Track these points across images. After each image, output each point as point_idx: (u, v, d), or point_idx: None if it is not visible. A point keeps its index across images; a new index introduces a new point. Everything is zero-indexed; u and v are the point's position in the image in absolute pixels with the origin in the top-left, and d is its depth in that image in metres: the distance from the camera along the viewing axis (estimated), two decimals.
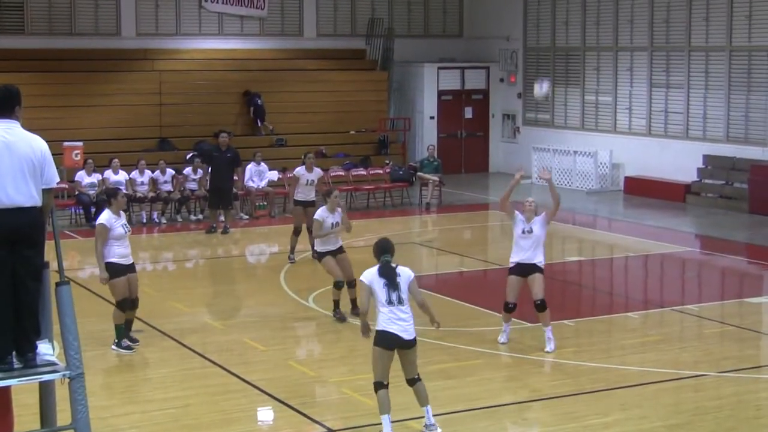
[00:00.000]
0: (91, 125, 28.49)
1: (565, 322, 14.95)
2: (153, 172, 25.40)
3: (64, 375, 7.57)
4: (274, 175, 26.50)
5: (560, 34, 32.18)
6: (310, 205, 19.17)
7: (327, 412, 11.28)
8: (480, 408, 11.46)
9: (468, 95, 34.03)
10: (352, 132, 32.10)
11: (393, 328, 10.10)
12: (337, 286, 15.02)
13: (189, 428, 10.86)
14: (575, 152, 30.24)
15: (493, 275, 18.83)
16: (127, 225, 13.66)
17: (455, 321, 14.92)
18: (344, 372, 12.79)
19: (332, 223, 14.97)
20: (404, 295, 10.17)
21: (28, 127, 7.76)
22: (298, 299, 16.66)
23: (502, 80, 33.94)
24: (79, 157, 25.05)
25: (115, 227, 13.32)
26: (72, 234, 22.69)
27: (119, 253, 13.35)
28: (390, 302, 10.12)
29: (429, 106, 33.50)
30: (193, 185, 25.33)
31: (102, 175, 24.95)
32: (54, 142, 7.98)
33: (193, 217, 25.15)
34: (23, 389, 7.98)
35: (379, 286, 10.18)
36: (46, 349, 7.77)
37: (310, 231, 18.08)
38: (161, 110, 30.09)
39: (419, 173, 27.88)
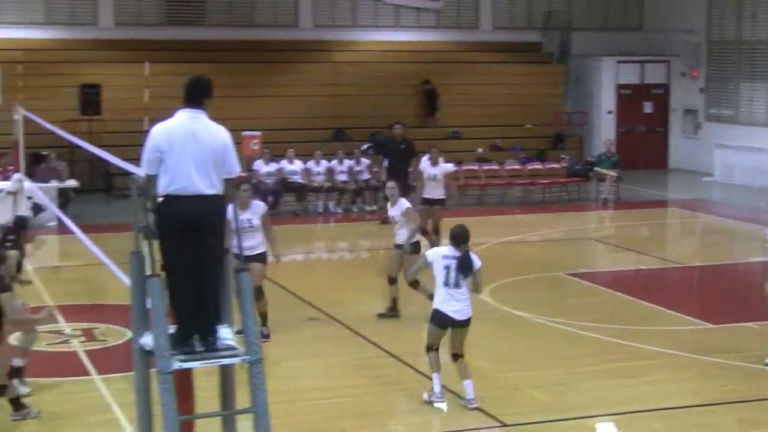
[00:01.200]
0: (268, 115, 28.93)
1: (750, 324, 14.37)
2: (329, 162, 25.66)
3: (243, 359, 7.65)
4: (449, 167, 26.35)
5: (746, 27, 31.07)
6: (436, 203, 18.74)
7: (501, 406, 11.10)
8: (654, 409, 11.10)
9: (647, 89, 33.22)
10: (528, 126, 31.78)
11: (448, 309, 10.79)
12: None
13: (363, 417, 10.84)
14: (760, 149, 29.15)
15: (672, 274, 18.29)
16: (251, 220, 13.42)
17: (632, 319, 14.54)
18: (518, 367, 12.58)
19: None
20: (465, 282, 10.81)
21: (210, 116, 7.85)
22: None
23: (683, 74, 32.97)
24: (257, 147, 25.45)
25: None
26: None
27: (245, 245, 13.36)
28: (447, 284, 10.78)
29: (607, 100, 32.85)
30: (367, 176, 25.47)
31: (278, 164, 25.33)
32: (233, 131, 8.01)
33: (367, 208, 25.25)
34: (204, 372, 8.08)
35: (439, 267, 10.79)
36: (226, 334, 7.86)
37: (435, 231, 17.79)
38: (337, 101, 30.38)
39: (596, 168, 27.35)
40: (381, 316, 14.75)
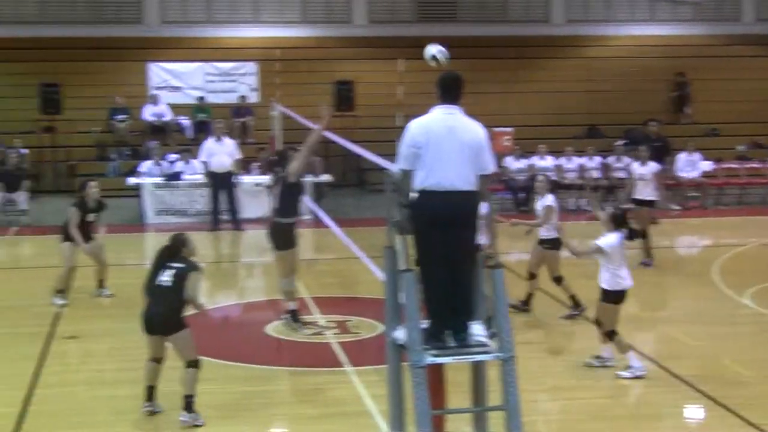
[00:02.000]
0: (519, 111, 28.79)
1: None
2: (581, 158, 25.29)
3: (496, 357, 7.60)
4: (707, 165, 25.61)
5: None
6: (646, 204, 17.91)
7: (762, 415, 10.57)
8: None
9: None
10: None
11: (624, 287, 11.61)
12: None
13: (616, 419, 10.56)
14: None
15: None
16: None
17: None
18: None
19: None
20: None
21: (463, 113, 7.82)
22: (734, 295, 15.83)
23: None
24: (508, 143, 25.39)
25: None
26: (501, 219, 22.89)
27: None
28: (622, 265, 11.60)
29: None
30: (622, 174, 24.95)
31: (529, 160, 25.17)
32: (485, 127, 7.95)
33: (622, 206, 24.67)
34: (455, 368, 8.06)
35: (621, 249, 11.59)
36: (478, 330, 7.82)
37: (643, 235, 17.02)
38: (590, 97, 29.92)
39: None
40: (512, 307, 13.95)
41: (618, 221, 11.83)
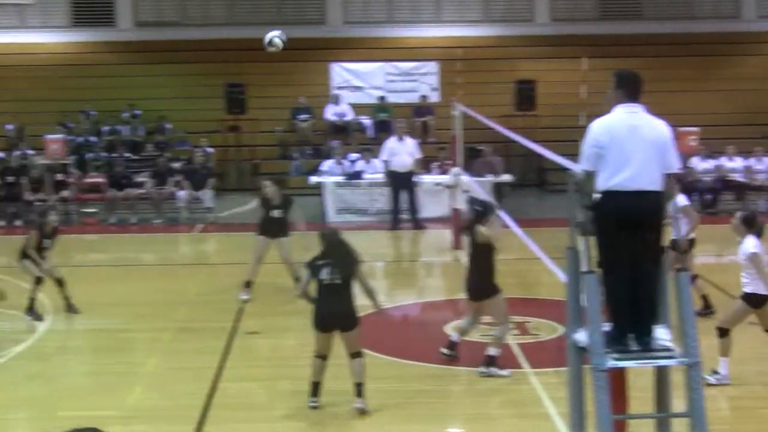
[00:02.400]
0: (707, 110, 27.98)
1: None
2: None
3: (680, 362, 7.38)
4: None
5: None
6: None
7: None
8: None
9: None
10: None
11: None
12: None
13: None
14: None
15: None
16: None
17: None
18: None
19: None
20: None
21: (647, 111, 7.64)
22: None
23: None
24: (695, 143, 24.72)
25: None
26: None
27: None
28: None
29: None
30: None
31: (717, 161, 24.45)
32: (670, 127, 7.73)
33: None
34: (639, 372, 7.87)
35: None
36: (662, 334, 7.60)
37: None
38: None
39: None
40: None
41: (749, 223, 11.45)
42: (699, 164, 24.26)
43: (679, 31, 29.82)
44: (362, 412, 10.39)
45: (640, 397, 8.14)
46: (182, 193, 23.79)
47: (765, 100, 28.60)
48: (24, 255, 15.04)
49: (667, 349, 7.52)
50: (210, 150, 26.08)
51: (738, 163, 24.30)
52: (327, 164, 24.42)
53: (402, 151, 22.55)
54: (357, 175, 23.62)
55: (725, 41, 29.72)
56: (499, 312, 11.94)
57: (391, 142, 22.87)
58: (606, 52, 27.57)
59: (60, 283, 14.93)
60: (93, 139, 26.84)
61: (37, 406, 11.00)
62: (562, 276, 9.79)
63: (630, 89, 7.68)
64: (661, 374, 7.75)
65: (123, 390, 11.38)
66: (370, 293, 10.67)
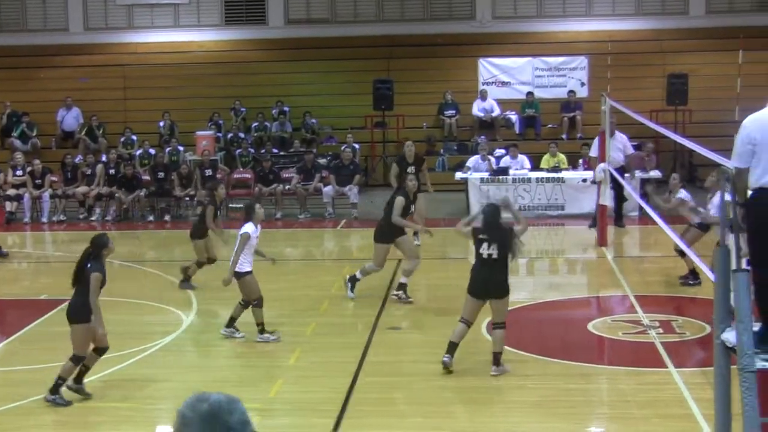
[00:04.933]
0: None
1: None
2: None
3: None
4: None
5: None
6: None
7: None
8: None
9: None
10: None
11: None
12: None
13: None
14: None
15: None
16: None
17: None
18: None
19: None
20: None
21: None
22: None
23: None
24: None
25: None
26: None
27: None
28: None
29: None
30: None
31: None
32: None
33: None
34: None
35: None
36: None
37: None
38: None
39: None
40: None
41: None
42: None
43: None
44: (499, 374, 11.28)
45: None
46: (328, 189, 23.98)
47: None
48: (199, 234, 15.96)
49: None
50: (356, 146, 26.23)
51: None
52: (472, 160, 24.28)
53: (612, 147, 21.34)
54: (503, 171, 23.41)
55: None
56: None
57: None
58: (763, 45, 26.76)
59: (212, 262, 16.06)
60: (242, 135, 27.29)
61: (183, 397, 11.14)
62: (711, 274, 9.50)
63: None
64: None
65: (266, 382, 11.50)
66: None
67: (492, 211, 11.53)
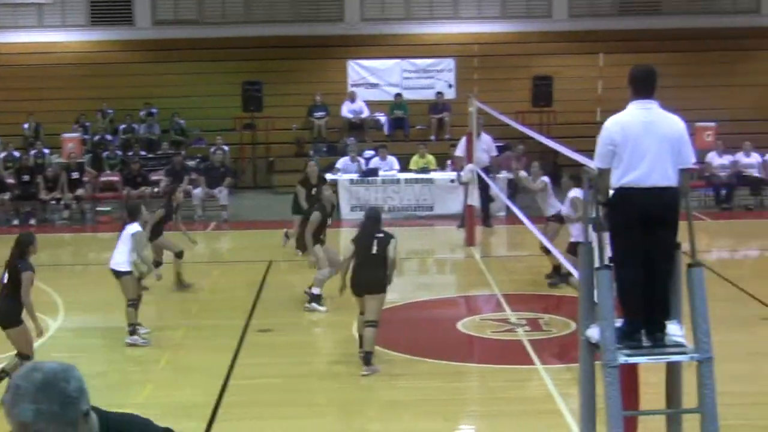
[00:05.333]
0: (724, 106, 27.80)
1: None
2: None
3: (691, 357, 7.33)
4: None
5: None
6: None
7: None
8: None
9: None
10: None
11: None
12: None
13: None
14: None
15: None
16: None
17: None
18: None
19: None
20: None
21: (663, 107, 7.57)
22: None
23: None
24: (711, 138, 24.59)
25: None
26: (701, 216, 22.25)
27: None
28: None
29: None
30: None
31: (733, 156, 24.32)
32: (687, 122, 7.67)
33: None
34: (649, 368, 7.80)
35: None
36: (674, 330, 7.54)
37: None
38: None
39: None
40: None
41: (577, 180, 13.66)
42: (715, 159, 24.12)
43: (697, 26, 29.64)
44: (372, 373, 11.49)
45: (652, 392, 8.07)
46: (197, 191, 23.80)
47: None
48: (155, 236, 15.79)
49: (679, 345, 7.46)
50: (226, 148, 26.08)
51: (754, 158, 24.15)
52: (342, 161, 24.38)
53: (478, 148, 21.55)
54: (372, 172, 23.56)
55: (743, 36, 29.52)
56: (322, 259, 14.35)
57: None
58: (624, 48, 27.46)
59: (180, 256, 15.96)
60: (109, 137, 26.88)
61: None
62: (575, 272, 9.74)
63: (643, 85, 7.61)
64: (672, 370, 7.68)
65: (136, 386, 11.38)
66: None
67: (375, 214, 12.16)
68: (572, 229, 14.37)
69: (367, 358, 11.57)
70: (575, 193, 14.24)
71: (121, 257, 12.93)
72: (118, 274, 12.91)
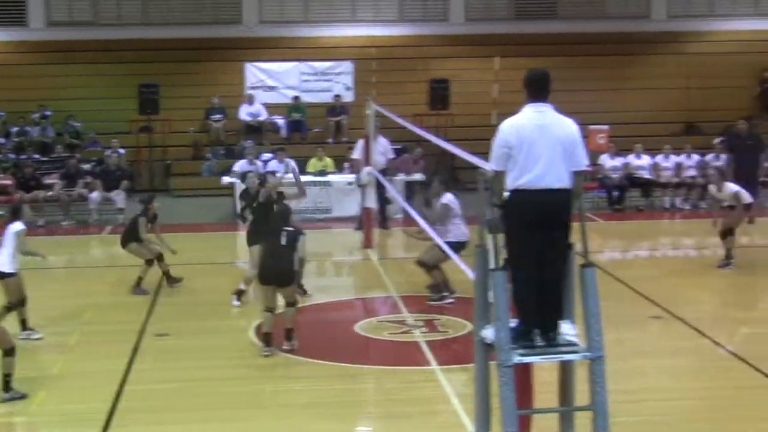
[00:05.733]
0: (616, 109, 28.39)
1: None
2: (678, 156, 24.86)
3: (584, 356, 7.46)
4: None
5: None
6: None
7: None
8: None
9: None
10: None
11: None
12: None
13: (713, 422, 10.28)
14: None
15: None
16: None
17: None
18: None
19: None
20: None
21: (557, 110, 7.69)
22: None
23: None
24: (604, 141, 25.04)
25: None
26: (594, 217, 22.66)
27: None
28: None
29: None
30: None
31: (625, 158, 24.79)
32: (580, 125, 7.82)
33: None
34: (543, 367, 7.92)
35: None
36: (567, 329, 7.67)
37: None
38: (689, 94, 29.34)
39: None
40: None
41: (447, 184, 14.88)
42: (608, 162, 24.57)
43: (591, 31, 30.16)
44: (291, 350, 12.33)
45: (546, 391, 8.19)
46: (93, 195, 23.47)
47: (672, 98, 29.13)
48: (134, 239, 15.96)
49: (572, 344, 7.59)
50: (122, 151, 25.77)
51: (645, 160, 24.66)
52: (240, 164, 24.26)
53: (375, 151, 21.61)
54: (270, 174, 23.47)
55: (635, 41, 30.12)
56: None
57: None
58: (520, 52, 27.77)
59: (160, 258, 16.10)
60: (2, 140, 26.36)
61: None
62: (470, 273, 9.83)
63: (538, 88, 7.72)
64: (566, 369, 7.81)
65: (28, 394, 11.16)
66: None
67: (284, 209, 12.94)
68: (449, 231, 14.58)
69: (288, 334, 12.46)
70: (445, 199, 14.70)
71: (4, 258, 12.75)
72: (2, 276, 12.73)
